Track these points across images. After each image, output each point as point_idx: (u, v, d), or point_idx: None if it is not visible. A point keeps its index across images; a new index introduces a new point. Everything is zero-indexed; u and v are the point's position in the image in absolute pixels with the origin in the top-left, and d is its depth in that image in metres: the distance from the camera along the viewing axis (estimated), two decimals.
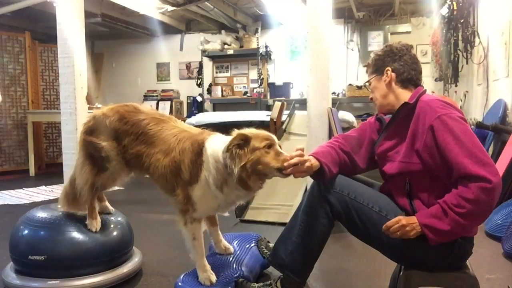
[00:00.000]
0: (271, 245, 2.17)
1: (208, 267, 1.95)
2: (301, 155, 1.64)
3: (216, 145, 1.81)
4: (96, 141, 2.03)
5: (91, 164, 2.07)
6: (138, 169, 2.05)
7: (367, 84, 1.84)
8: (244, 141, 1.71)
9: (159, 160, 1.91)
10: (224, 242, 2.16)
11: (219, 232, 2.16)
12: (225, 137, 1.83)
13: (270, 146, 1.69)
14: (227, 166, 1.73)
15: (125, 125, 2.01)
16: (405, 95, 1.70)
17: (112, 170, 2.06)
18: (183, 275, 1.98)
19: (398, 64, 1.72)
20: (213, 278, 1.91)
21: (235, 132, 1.76)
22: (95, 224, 2.11)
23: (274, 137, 1.74)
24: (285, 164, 1.62)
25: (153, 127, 1.97)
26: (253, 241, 2.25)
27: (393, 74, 1.72)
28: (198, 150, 1.85)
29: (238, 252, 2.14)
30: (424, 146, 1.54)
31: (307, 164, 1.62)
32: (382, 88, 1.75)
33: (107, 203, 2.33)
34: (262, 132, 1.75)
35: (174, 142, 1.91)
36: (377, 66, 1.78)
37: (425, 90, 1.73)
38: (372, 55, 1.83)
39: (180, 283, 1.92)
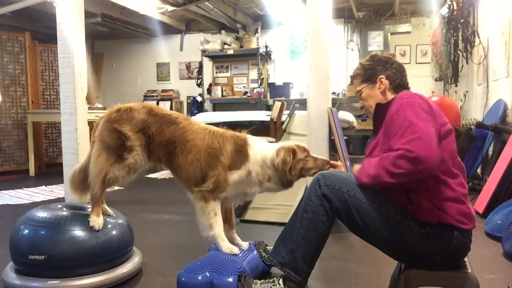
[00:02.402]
0: (270, 248, 2.18)
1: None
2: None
3: (262, 148, 2.11)
4: (123, 129, 2.10)
5: (108, 154, 2.12)
6: (167, 155, 2.15)
7: (358, 94, 1.89)
8: (293, 154, 2.05)
9: (195, 146, 2.10)
10: (240, 242, 2.29)
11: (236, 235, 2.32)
12: (262, 140, 2.17)
13: (307, 155, 2.07)
14: (275, 169, 2.04)
15: (155, 117, 2.16)
16: None
17: (131, 160, 2.12)
18: (185, 266, 1.99)
19: (390, 71, 1.81)
20: (236, 249, 2.09)
21: (284, 147, 2.07)
22: (99, 221, 2.10)
23: (307, 147, 2.12)
24: (327, 165, 2.05)
25: (183, 121, 2.18)
26: (253, 248, 2.28)
27: (387, 82, 1.80)
28: (241, 144, 2.11)
29: (242, 251, 2.17)
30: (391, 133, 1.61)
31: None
32: (377, 95, 1.82)
33: (105, 206, 2.31)
34: (300, 145, 2.11)
35: (208, 132, 2.14)
36: (367, 75, 1.84)
37: (408, 90, 1.81)
38: (357, 65, 1.90)
39: (183, 270, 1.93)
